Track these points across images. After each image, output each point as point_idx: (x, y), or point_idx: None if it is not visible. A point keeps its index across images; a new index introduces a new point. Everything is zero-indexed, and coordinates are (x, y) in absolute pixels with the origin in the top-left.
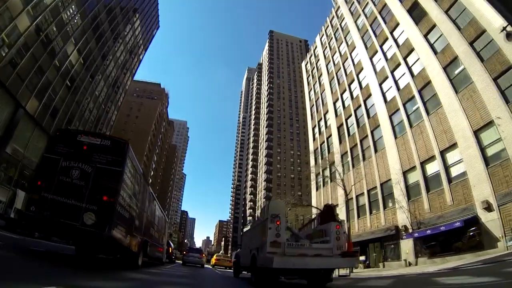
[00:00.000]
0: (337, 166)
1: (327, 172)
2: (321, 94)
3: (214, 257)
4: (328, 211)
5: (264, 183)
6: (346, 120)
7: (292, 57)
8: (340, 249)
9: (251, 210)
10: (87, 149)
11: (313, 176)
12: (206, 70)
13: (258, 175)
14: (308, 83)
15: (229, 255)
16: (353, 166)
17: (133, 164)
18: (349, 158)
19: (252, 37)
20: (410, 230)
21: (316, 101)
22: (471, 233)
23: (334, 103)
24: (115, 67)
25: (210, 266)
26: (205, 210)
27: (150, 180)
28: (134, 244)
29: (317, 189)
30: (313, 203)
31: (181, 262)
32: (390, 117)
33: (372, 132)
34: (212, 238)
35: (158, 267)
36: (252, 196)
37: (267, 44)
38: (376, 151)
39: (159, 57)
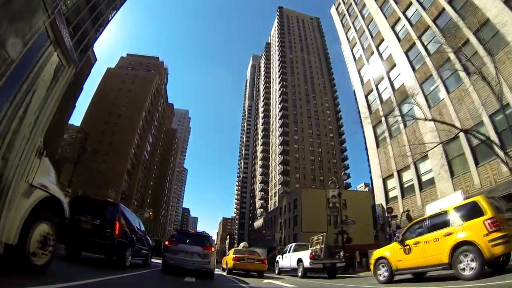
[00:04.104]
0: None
1: (393, 118)
2: (367, 27)
3: (231, 254)
4: None
5: (280, 167)
6: (419, 37)
7: (304, 33)
8: None
9: (263, 201)
10: None
11: (368, 130)
12: (206, 64)
13: (271, 160)
14: (343, 25)
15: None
16: (447, 92)
17: None
18: (438, 83)
19: (253, 28)
20: None
21: (359, 38)
22: None
23: (393, 27)
24: None
25: (222, 272)
26: (208, 211)
27: (145, 166)
28: None
29: (378, 146)
30: (374, 164)
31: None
32: None
33: (476, 32)
34: (215, 237)
35: None
36: (263, 184)
37: (275, 21)
38: (491, 54)
39: (158, 51)
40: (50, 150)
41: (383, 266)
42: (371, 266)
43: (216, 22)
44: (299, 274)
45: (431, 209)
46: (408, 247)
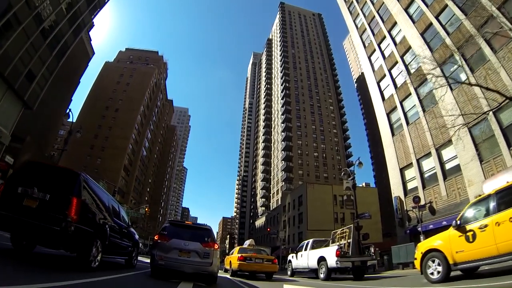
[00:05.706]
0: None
1: (409, 103)
2: (377, 12)
3: (236, 254)
4: None
5: (283, 163)
6: (436, 17)
7: (306, 29)
8: None
9: (264, 200)
10: None
11: (382, 116)
12: (205, 63)
13: (273, 157)
14: (351, 12)
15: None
16: (471, 70)
17: None
18: (460, 63)
19: (253, 26)
20: None
21: (369, 24)
22: None
23: (406, 9)
24: None
25: (224, 273)
26: (208, 210)
27: (143, 162)
28: None
29: (393, 134)
30: (389, 154)
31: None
32: None
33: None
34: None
35: None
36: (265, 182)
37: (277, 17)
38: None
39: (157, 48)
40: (45, 145)
41: (434, 261)
42: (416, 262)
43: (215, 20)
44: (321, 275)
45: (490, 187)
46: (471, 233)
